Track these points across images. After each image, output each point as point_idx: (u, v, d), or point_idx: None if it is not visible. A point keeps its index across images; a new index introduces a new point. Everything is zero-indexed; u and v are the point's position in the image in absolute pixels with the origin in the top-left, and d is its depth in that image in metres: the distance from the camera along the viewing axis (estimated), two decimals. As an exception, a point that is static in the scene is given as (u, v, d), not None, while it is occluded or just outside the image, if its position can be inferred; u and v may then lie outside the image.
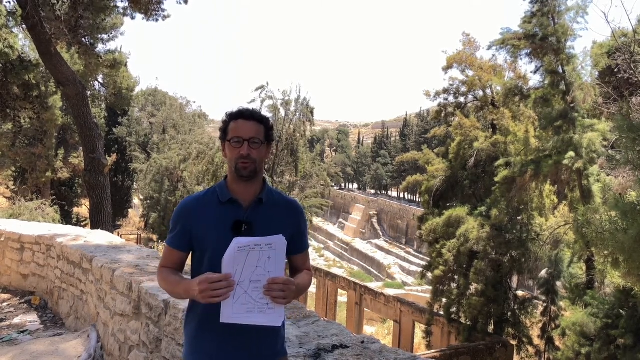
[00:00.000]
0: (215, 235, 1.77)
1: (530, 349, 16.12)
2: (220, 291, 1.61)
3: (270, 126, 1.91)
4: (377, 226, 64.38)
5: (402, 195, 71.95)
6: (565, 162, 12.83)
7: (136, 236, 27.34)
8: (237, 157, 1.81)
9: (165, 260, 1.89)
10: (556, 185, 16.12)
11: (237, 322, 1.65)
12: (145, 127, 39.92)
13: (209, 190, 1.90)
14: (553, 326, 16.22)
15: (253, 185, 1.85)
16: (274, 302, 1.66)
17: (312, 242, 53.95)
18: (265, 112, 23.54)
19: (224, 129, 1.87)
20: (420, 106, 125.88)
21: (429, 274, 18.31)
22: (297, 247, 1.94)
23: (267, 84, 24.69)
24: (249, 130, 1.82)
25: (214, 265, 1.75)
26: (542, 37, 14.20)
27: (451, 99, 19.12)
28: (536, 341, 16.60)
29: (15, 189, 24.42)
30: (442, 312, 17.16)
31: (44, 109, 17.76)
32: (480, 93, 18.71)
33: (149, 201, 32.68)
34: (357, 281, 22.85)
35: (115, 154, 30.55)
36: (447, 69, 18.74)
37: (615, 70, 12.91)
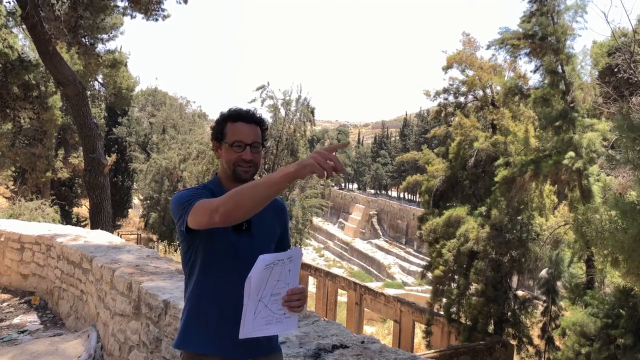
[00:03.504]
0: (215, 233, 1.75)
1: (530, 349, 16.13)
2: (334, 161, 1.45)
3: (266, 127, 1.90)
4: (377, 226, 64.37)
5: (402, 195, 71.92)
6: (565, 162, 12.83)
7: (136, 236, 27.34)
8: (238, 161, 1.80)
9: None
10: (556, 185, 16.13)
11: (255, 335, 1.66)
12: (145, 127, 39.91)
13: (201, 186, 1.87)
14: (553, 326, 16.23)
15: None
16: (292, 311, 1.69)
17: (312, 242, 53.94)
18: (266, 112, 23.55)
19: (221, 130, 1.84)
20: (420, 106, 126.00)
21: (429, 274, 18.31)
22: (284, 245, 1.98)
23: (268, 83, 24.71)
24: (251, 134, 1.81)
25: (210, 262, 1.78)
26: (542, 36, 14.20)
27: (451, 98, 19.12)
28: (536, 341, 16.60)
29: (15, 189, 24.41)
30: (442, 312, 17.16)
31: (44, 109, 17.76)
32: (480, 93, 18.71)
33: (148, 201, 32.65)
34: (357, 281, 22.83)
35: (115, 154, 30.56)
36: (447, 68, 18.74)
37: (615, 70, 12.93)
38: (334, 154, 1.48)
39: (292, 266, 1.67)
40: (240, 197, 1.55)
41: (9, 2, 13.57)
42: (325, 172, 1.46)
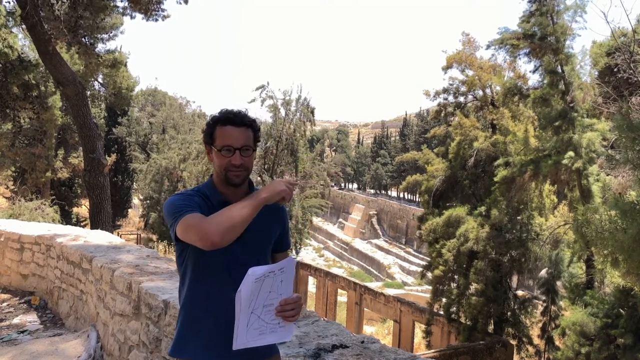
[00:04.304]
0: None
1: (530, 349, 16.13)
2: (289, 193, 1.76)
3: (258, 129, 1.87)
4: (376, 226, 64.36)
5: (401, 195, 71.94)
6: (565, 161, 12.83)
7: (136, 236, 27.37)
8: (228, 166, 1.77)
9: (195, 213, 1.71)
10: (556, 185, 16.13)
11: (249, 346, 1.66)
12: (145, 127, 39.91)
13: (195, 190, 1.83)
14: (553, 326, 16.24)
15: (242, 187, 1.85)
16: (286, 321, 1.68)
17: (312, 242, 53.92)
18: (266, 112, 23.54)
19: (210, 134, 1.81)
20: (420, 106, 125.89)
21: (429, 274, 18.32)
22: (282, 246, 1.97)
23: (268, 83, 24.63)
24: (240, 138, 1.78)
25: (202, 270, 1.77)
26: (541, 36, 14.19)
27: (451, 98, 19.13)
28: (536, 341, 16.61)
29: (15, 189, 24.41)
30: (442, 312, 17.17)
31: (44, 109, 17.75)
32: (480, 93, 18.71)
33: (148, 201, 32.65)
34: (356, 281, 22.84)
35: (115, 154, 30.56)
36: (446, 68, 18.75)
37: (615, 69, 12.92)
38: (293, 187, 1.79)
39: (284, 277, 1.66)
40: (234, 220, 1.63)
41: (9, 2, 13.58)
42: (290, 197, 1.75)
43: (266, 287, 1.64)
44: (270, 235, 1.91)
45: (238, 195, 1.82)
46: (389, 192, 76.70)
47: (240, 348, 1.64)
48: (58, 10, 12.23)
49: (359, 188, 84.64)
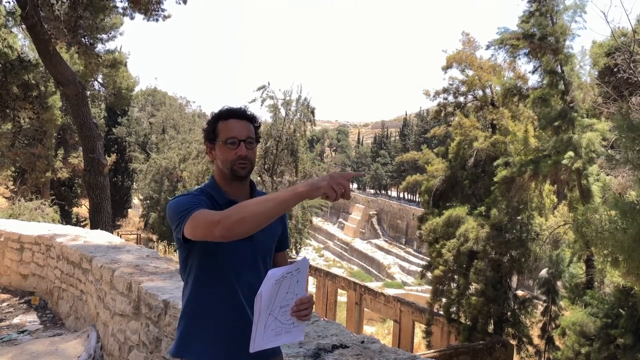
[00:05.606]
0: None
1: (530, 349, 16.13)
2: (345, 188, 1.48)
3: (259, 124, 1.88)
4: (376, 226, 64.38)
5: (401, 195, 71.96)
6: (565, 161, 12.83)
7: (136, 236, 27.36)
8: (234, 159, 1.77)
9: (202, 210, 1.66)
10: (555, 185, 16.13)
11: (266, 347, 1.66)
12: (145, 127, 39.95)
13: (199, 191, 1.82)
14: (553, 326, 16.24)
15: (245, 185, 1.84)
16: (300, 320, 1.69)
17: (312, 242, 53.91)
18: (266, 112, 23.55)
19: (213, 130, 1.81)
20: (419, 106, 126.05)
21: (429, 274, 18.32)
22: (283, 245, 1.98)
23: (269, 83, 24.71)
24: (244, 130, 1.79)
25: (209, 269, 1.75)
26: (541, 36, 14.19)
27: (451, 98, 19.12)
28: (536, 341, 16.61)
29: (15, 189, 24.41)
30: (442, 312, 17.17)
31: (44, 109, 17.75)
32: (480, 93, 18.71)
33: (148, 201, 32.71)
34: (356, 281, 22.84)
35: (114, 154, 30.57)
36: (446, 68, 18.74)
37: (615, 69, 12.92)
38: (347, 181, 1.50)
39: (300, 277, 1.67)
40: (245, 213, 1.52)
41: (9, 2, 13.58)
42: (335, 196, 1.48)
43: (284, 288, 1.65)
44: (274, 235, 1.91)
45: (242, 193, 1.83)
46: (389, 192, 76.72)
47: (257, 350, 1.64)
48: (58, 10, 12.23)
49: (358, 188, 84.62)
